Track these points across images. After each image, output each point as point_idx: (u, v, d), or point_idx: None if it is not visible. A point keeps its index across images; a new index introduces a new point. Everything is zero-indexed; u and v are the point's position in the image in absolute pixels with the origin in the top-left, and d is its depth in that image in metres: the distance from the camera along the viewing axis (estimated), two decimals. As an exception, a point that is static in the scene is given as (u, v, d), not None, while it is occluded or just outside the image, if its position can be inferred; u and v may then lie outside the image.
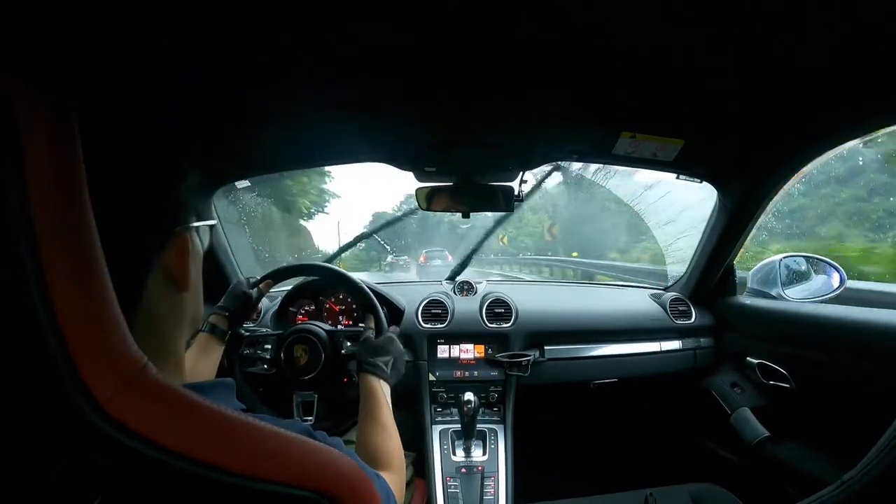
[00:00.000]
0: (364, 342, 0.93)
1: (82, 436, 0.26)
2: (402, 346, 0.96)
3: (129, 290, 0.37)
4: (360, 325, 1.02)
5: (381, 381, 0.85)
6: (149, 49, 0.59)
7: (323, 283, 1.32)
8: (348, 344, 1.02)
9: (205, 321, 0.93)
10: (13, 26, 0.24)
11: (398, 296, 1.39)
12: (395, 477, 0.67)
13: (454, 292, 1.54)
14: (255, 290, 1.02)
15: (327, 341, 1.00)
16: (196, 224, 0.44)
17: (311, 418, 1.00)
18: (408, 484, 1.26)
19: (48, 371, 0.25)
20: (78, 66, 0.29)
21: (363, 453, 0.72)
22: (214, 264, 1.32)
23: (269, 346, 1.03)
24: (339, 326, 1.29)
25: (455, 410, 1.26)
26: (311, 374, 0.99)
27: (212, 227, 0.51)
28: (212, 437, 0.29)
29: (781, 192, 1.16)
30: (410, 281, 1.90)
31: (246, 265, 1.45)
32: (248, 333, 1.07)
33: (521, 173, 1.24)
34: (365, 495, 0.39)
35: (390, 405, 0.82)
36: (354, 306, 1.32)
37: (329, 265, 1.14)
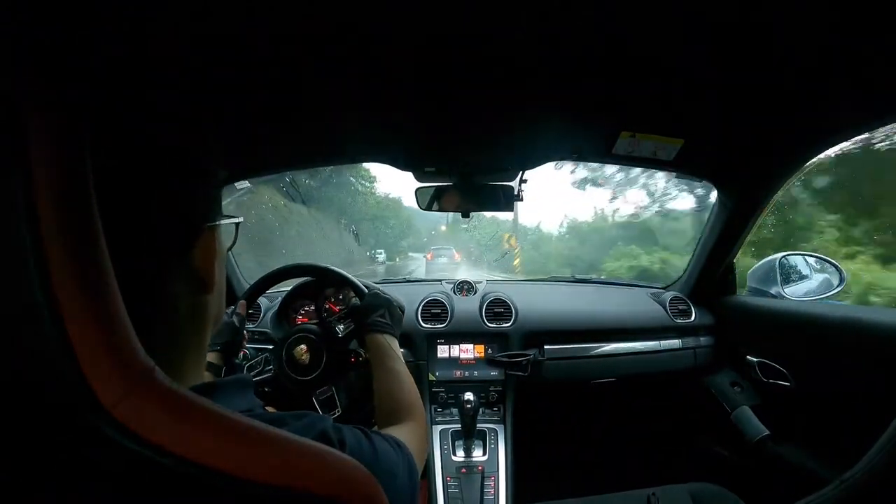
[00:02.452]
0: (353, 311, 0.95)
1: (87, 440, 0.26)
2: (387, 295, 0.96)
3: (153, 290, 0.36)
4: (344, 304, 1.02)
5: (386, 336, 0.86)
6: (149, 49, 0.59)
7: (321, 284, 1.32)
8: (341, 327, 1.02)
9: None
10: (13, 26, 0.24)
11: (398, 296, 1.39)
12: (416, 422, 0.67)
13: (454, 292, 1.54)
14: (235, 316, 1.02)
15: (321, 332, 1.00)
16: (223, 222, 0.43)
17: (337, 411, 0.99)
18: None
19: (53, 374, 0.24)
20: (79, 66, 0.29)
21: (382, 406, 0.73)
22: None
23: (270, 367, 1.03)
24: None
25: (455, 410, 1.26)
26: (318, 369, 0.98)
27: (237, 224, 0.51)
28: (218, 441, 0.29)
29: (781, 191, 1.16)
30: (411, 280, 1.90)
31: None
32: (247, 363, 1.06)
33: (521, 173, 1.24)
34: (371, 500, 0.38)
35: (400, 356, 0.83)
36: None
37: (295, 263, 1.14)
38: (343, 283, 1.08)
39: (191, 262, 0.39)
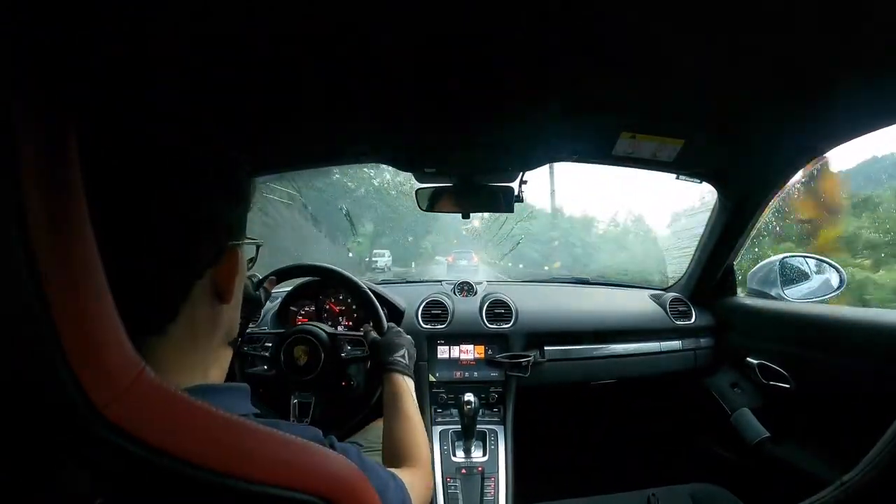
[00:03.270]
0: (373, 344, 0.94)
1: (82, 440, 0.26)
2: (407, 336, 0.97)
3: (174, 298, 0.38)
4: (361, 329, 1.02)
5: (405, 377, 0.86)
6: (149, 49, 0.59)
7: (323, 284, 1.32)
8: (349, 348, 1.02)
9: None
10: (12, 26, 0.24)
11: (398, 296, 1.39)
12: (421, 471, 0.67)
13: (454, 293, 1.54)
14: (262, 290, 1.01)
15: (328, 343, 1.00)
16: (246, 242, 0.45)
17: (306, 420, 1.00)
18: None
19: (46, 376, 0.24)
20: (74, 66, 0.29)
21: (390, 447, 0.72)
22: None
23: (269, 345, 1.04)
24: (340, 328, 1.29)
25: (455, 411, 1.26)
26: (309, 375, 0.98)
27: (258, 247, 0.53)
28: (211, 440, 0.29)
29: (781, 192, 1.16)
30: (411, 281, 1.90)
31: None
32: (248, 331, 1.07)
33: (521, 174, 1.24)
34: (364, 499, 0.38)
35: (415, 399, 0.83)
36: (354, 307, 1.32)
37: (331, 266, 1.14)
38: (366, 306, 1.05)
39: (213, 275, 0.40)
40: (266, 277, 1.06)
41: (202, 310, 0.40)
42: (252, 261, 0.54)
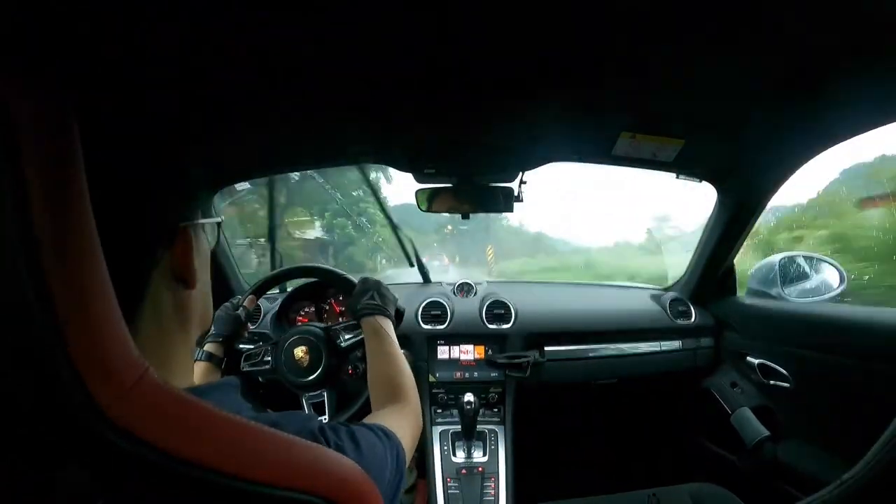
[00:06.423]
0: (349, 307, 0.93)
1: (84, 440, 0.26)
2: (373, 278, 0.95)
3: (133, 287, 0.36)
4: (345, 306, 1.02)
5: (379, 317, 0.84)
6: (148, 49, 0.59)
7: (322, 285, 1.32)
8: (346, 336, 1.02)
9: (200, 351, 0.93)
10: (12, 26, 0.24)
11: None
12: (408, 407, 0.67)
13: (454, 293, 1.54)
14: (241, 309, 1.02)
15: (324, 337, 1.00)
16: (202, 221, 0.44)
17: (324, 417, 1.00)
18: (411, 488, 1.26)
19: (49, 376, 0.24)
20: (76, 65, 0.29)
21: (375, 388, 0.73)
22: (214, 266, 1.32)
23: (268, 359, 1.03)
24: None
25: (455, 411, 1.26)
26: (314, 372, 0.98)
27: (219, 224, 0.52)
28: (214, 440, 0.29)
29: (781, 192, 1.16)
30: (411, 282, 1.90)
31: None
32: (245, 349, 1.07)
33: (521, 174, 1.24)
34: (367, 500, 0.38)
35: (394, 337, 0.82)
36: None
37: (330, 266, 1.14)
38: (330, 278, 1.06)
39: (171, 259, 0.39)
40: (245, 296, 1.06)
41: (166, 300, 0.39)
42: (214, 246, 0.52)
